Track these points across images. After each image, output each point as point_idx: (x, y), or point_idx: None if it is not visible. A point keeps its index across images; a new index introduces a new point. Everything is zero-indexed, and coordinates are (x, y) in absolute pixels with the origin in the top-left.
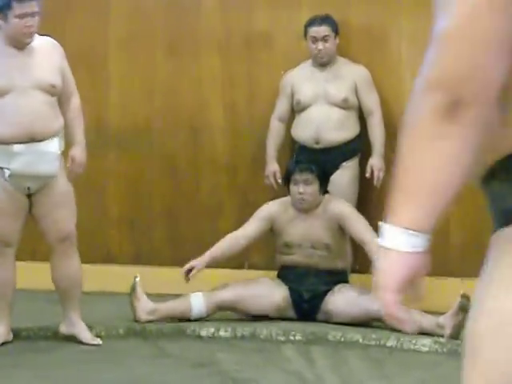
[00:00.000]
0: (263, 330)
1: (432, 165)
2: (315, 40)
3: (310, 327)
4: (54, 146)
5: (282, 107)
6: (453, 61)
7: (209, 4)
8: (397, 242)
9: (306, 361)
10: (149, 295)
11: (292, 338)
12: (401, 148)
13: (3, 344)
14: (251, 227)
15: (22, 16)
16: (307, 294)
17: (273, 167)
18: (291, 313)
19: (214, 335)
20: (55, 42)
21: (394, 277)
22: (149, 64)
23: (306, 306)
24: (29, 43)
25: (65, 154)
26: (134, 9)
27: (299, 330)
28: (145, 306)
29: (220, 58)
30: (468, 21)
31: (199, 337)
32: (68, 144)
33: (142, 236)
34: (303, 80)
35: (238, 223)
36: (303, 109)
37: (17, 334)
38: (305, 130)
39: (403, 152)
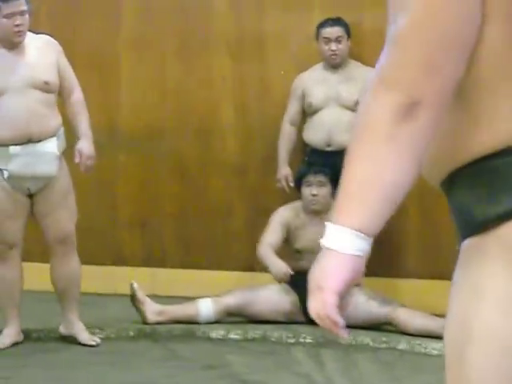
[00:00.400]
0: (274, 332)
1: (386, 167)
2: (328, 41)
3: (321, 330)
4: (51, 146)
5: (293, 110)
6: (408, 61)
7: (220, 5)
8: (344, 244)
9: (316, 364)
10: (159, 297)
11: (302, 340)
12: (351, 148)
13: (14, 345)
14: (277, 235)
15: (9, 16)
16: None
17: (285, 171)
18: (301, 317)
19: (224, 337)
20: (52, 39)
21: (336, 278)
22: (160, 65)
23: None
24: (20, 42)
25: (67, 152)
26: (144, 10)
27: (309, 333)
28: (152, 308)
29: (231, 59)
30: (422, 22)
31: (209, 339)
32: (72, 140)
33: (153, 237)
34: (315, 83)
35: (248, 225)
36: (315, 111)
37: (27, 335)
38: (316, 133)
39: (354, 153)
